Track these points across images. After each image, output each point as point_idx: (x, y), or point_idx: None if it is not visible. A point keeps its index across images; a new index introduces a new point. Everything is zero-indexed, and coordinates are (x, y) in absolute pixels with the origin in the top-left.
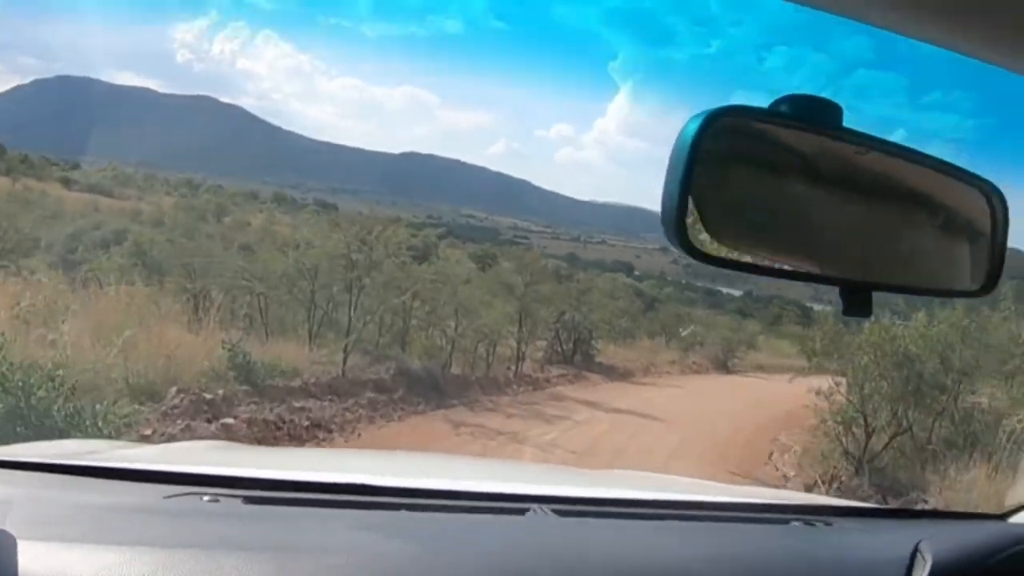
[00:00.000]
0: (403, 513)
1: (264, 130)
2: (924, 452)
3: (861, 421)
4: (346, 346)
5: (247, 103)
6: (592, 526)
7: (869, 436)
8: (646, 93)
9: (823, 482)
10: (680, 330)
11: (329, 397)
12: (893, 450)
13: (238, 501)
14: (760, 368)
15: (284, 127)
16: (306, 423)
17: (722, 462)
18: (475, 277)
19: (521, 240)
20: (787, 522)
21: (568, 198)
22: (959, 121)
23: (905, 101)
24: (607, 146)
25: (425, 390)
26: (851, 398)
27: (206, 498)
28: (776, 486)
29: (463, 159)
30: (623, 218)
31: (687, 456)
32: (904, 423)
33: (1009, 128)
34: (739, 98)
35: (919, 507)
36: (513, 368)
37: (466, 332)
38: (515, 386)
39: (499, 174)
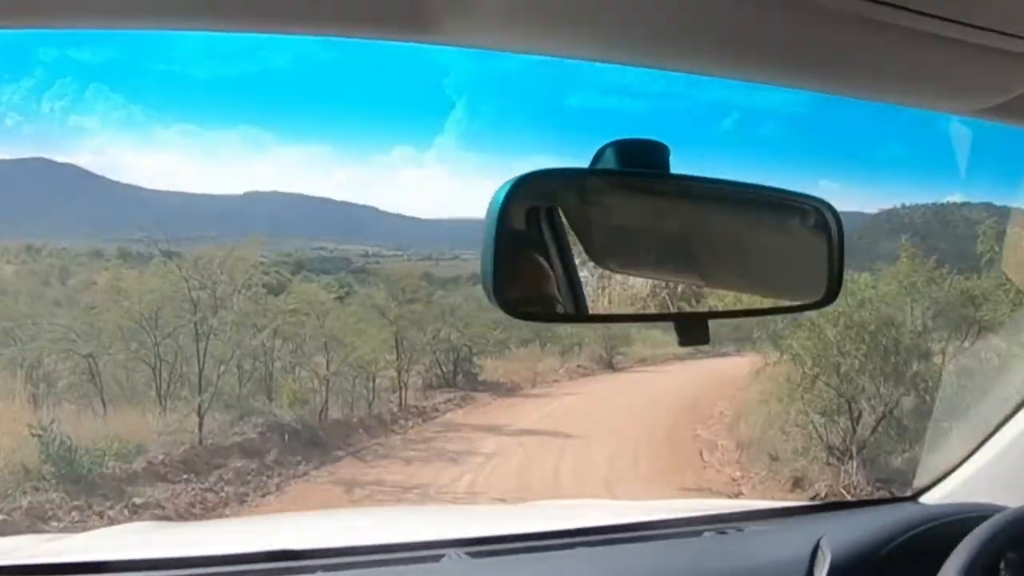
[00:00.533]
0: (319, 575)
1: (101, 186)
2: (913, 430)
3: (845, 407)
4: (200, 405)
5: (82, 160)
6: (508, 564)
7: (856, 422)
8: (482, 103)
9: (802, 485)
10: (561, 341)
11: (184, 477)
12: (882, 434)
13: None
14: (643, 361)
15: (122, 180)
16: None
17: (663, 476)
18: (336, 308)
19: (373, 267)
20: (699, 534)
21: (415, 219)
22: (792, 96)
23: (738, 83)
24: (449, 162)
25: (303, 445)
26: (828, 380)
27: None
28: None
29: (306, 192)
30: (473, 232)
31: (626, 476)
32: (889, 401)
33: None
34: (572, 101)
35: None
36: (397, 400)
37: (340, 368)
38: (403, 421)
39: (344, 203)
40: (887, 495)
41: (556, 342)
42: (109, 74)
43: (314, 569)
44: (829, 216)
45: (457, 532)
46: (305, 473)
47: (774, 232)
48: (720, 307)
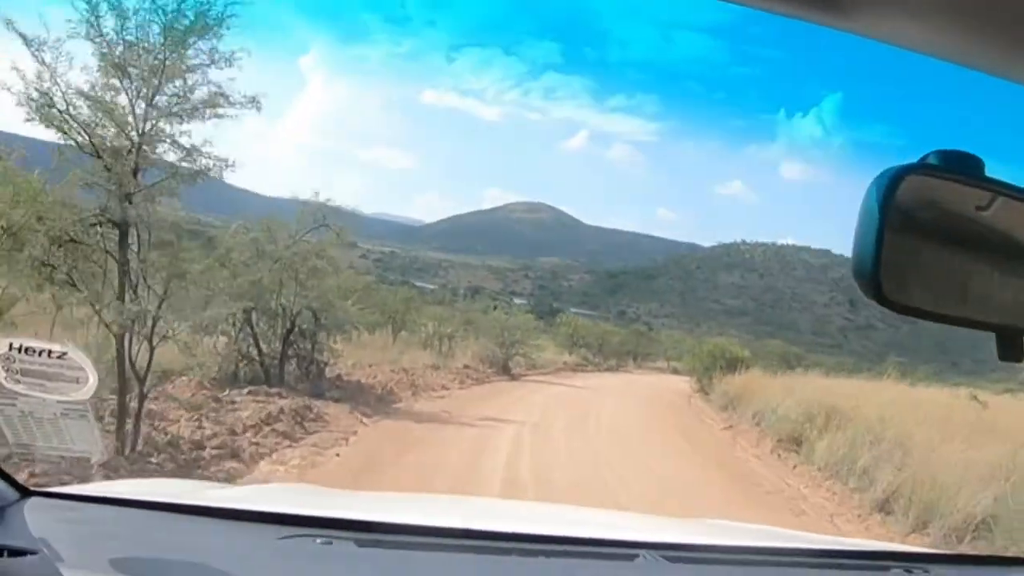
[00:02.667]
0: (514, 558)
1: None
2: None
3: None
4: None
5: None
6: (702, 571)
7: None
8: (336, 90)
9: None
10: (424, 324)
11: None
12: None
13: (351, 543)
14: (534, 367)
15: None
16: None
17: None
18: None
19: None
20: (887, 569)
21: (259, 195)
22: (642, 124)
23: (590, 103)
24: (297, 142)
25: None
26: None
27: (319, 540)
28: None
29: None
30: (311, 213)
31: None
32: None
33: (688, 131)
34: (429, 96)
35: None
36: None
37: None
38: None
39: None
40: None
41: (413, 329)
42: None
43: (509, 552)
44: None
45: (651, 536)
46: None
47: None
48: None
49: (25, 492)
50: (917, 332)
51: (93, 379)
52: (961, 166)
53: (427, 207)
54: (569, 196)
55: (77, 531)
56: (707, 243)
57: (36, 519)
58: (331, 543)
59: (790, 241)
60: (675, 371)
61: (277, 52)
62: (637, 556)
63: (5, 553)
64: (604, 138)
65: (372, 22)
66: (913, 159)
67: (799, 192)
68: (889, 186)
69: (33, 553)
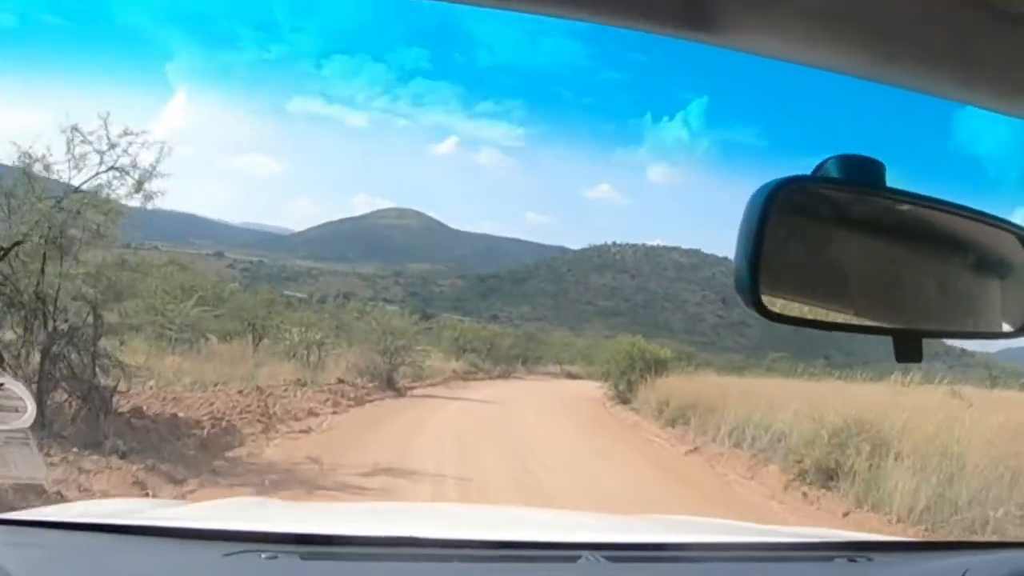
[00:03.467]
0: (456, 564)
1: None
2: None
3: None
4: None
5: None
6: (644, 571)
7: None
8: (203, 97)
9: None
10: (289, 331)
11: None
12: None
13: (296, 558)
14: (420, 377)
15: None
16: None
17: None
18: None
19: None
20: (831, 559)
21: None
22: (510, 129)
23: (459, 108)
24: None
25: None
26: None
27: (264, 555)
28: None
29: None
30: (176, 225)
31: None
32: None
33: (556, 135)
34: (297, 104)
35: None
36: None
37: None
38: None
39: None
40: None
41: (277, 337)
42: None
43: (451, 559)
44: None
45: (593, 537)
46: None
47: (974, 253)
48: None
49: None
50: (789, 329)
51: (32, 407)
52: (858, 174)
53: (297, 215)
54: (439, 202)
55: (26, 556)
56: (577, 246)
57: None
58: (276, 557)
59: (660, 242)
60: (569, 375)
61: (142, 59)
62: (579, 557)
63: None
64: (473, 143)
65: (240, 29)
66: (777, 161)
67: (667, 194)
68: (769, 197)
69: None
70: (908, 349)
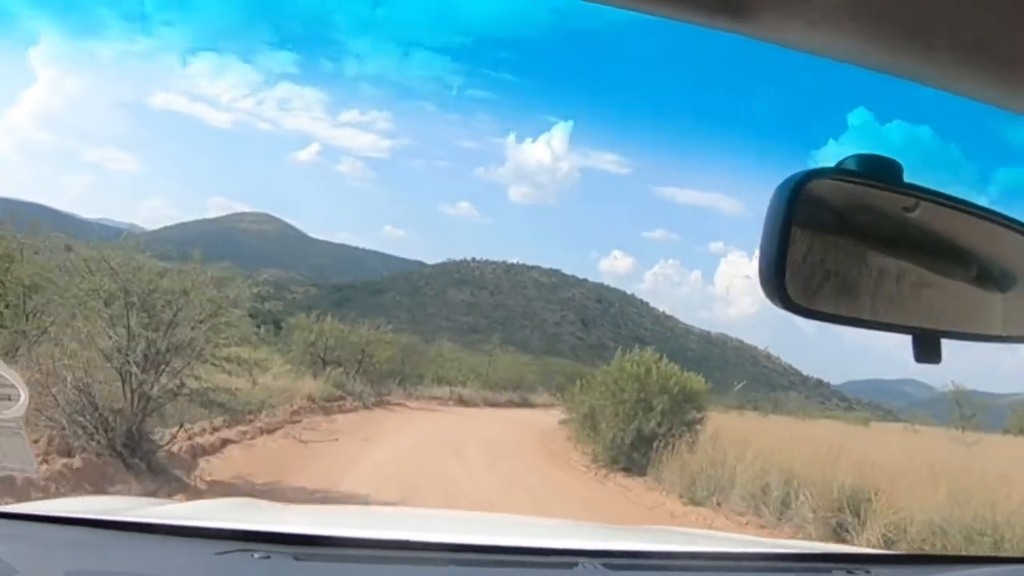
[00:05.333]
0: (451, 568)
1: None
2: None
3: None
4: None
5: None
6: None
7: None
8: (66, 84)
9: None
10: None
11: None
12: None
13: (288, 558)
14: (227, 411)
15: None
16: None
17: None
18: None
19: None
20: (829, 571)
21: None
22: (374, 140)
23: (323, 116)
24: (18, 137)
25: None
26: None
27: (257, 555)
28: None
29: None
30: (26, 214)
31: None
32: None
33: (420, 150)
34: (160, 99)
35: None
36: None
37: None
38: None
39: None
40: None
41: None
42: None
43: (446, 563)
44: None
45: (591, 544)
46: None
47: (996, 255)
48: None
49: None
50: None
51: (24, 396)
52: (877, 170)
53: (152, 213)
54: (297, 209)
55: (23, 550)
56: (436, 261)
57: None
58: (269, 557)
59: (520, 260)
60: (462, 400)
61: (4, 42)
62: (576, 564)
63: None
64: (335, 152)
65: (108, 17)
66: (637, 187)
67: (528, 214)
68: (795, 190)
69: None
70: (927, 350)
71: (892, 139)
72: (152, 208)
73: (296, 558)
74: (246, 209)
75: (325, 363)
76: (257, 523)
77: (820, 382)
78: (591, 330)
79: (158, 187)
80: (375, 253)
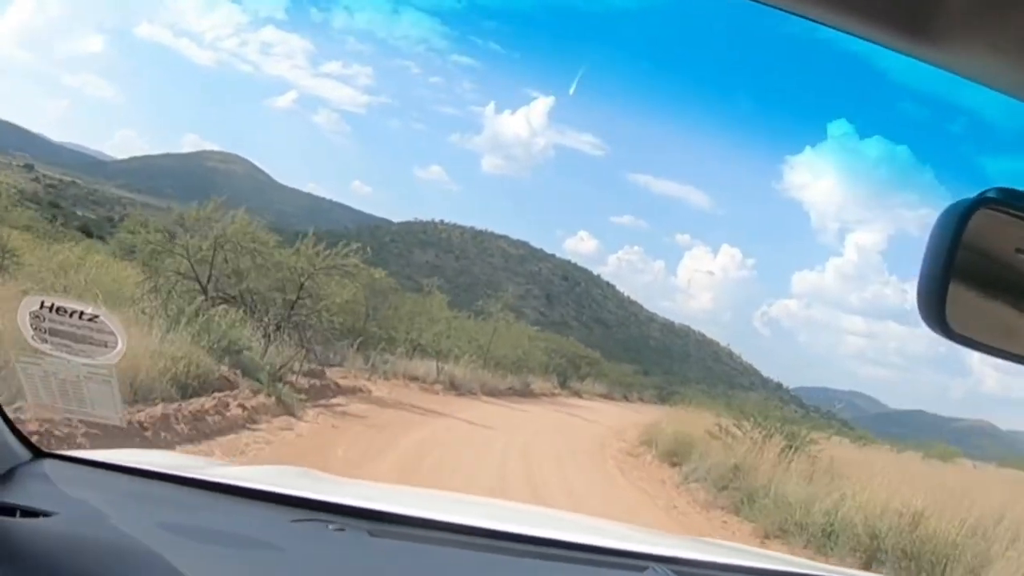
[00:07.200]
0: (527, 561)
1: None
2: None
3: None
4: None
5: None
6: None
7: None
8: (50, 4)
9: None
10: None
11: None
12: None
13: (364, 533)
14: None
15: None
16: None
17: None
18: None
19: None
20: None
21: None
22: (353, 94)
23: (305, 64)
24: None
25: None
26: None
27: (332, 526)
28: None
29: None
30: None
31: None
32: None
33: (397, 109)
34: (145, 29)
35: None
36: None
37: None
38: None
39: None
40: None
41: None
42: None
43: (522, 554)
44: None
45: (661, 550)
46: None
47: None
48: None
49: (38, 452)
50: (609, 335)
51: (122, 344)
52: None
53: (122, 143)
54: (267, 154)
55: (93, 497)
56: (399, 218)
57: (51, 481)
58: (343, 530)
59: (489, 228)
60: (453, 384)
61: None
62: (647, 568)
63: (18, 513)
64: (313, 102)
65: None
66: (614, 172)
67: (498, 186)
68: (960, 219)
69: (47, 515)
70: None
71: (868, 154)
72: (124, 138)
73: (371, 533)
74: (217, 148)
75: (213, 299)
76: (328, 494)
77: (779, 385)
78: (555, 307)
79: (132, 118)
80: (341, 206)
